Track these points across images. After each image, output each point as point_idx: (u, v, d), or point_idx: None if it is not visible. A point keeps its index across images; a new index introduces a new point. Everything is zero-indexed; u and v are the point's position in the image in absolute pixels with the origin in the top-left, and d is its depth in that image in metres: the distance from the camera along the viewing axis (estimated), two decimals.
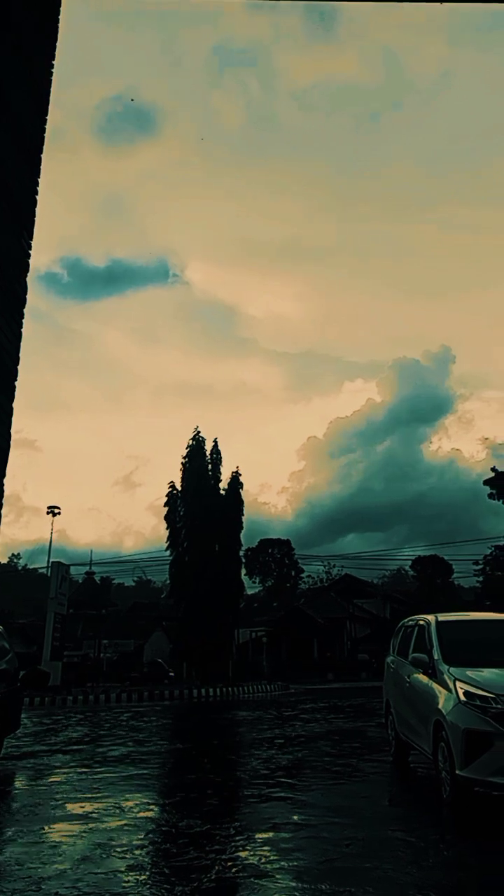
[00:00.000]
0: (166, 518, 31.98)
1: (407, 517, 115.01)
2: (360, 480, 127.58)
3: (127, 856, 4.67)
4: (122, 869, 4.37)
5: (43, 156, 2.38)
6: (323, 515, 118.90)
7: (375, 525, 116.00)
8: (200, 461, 32.18)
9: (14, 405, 2.13)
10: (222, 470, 32.68)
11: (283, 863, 4.43)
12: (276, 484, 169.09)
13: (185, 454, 32.39)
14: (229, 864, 4.44)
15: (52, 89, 2.44)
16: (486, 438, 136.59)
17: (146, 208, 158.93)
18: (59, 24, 2.50)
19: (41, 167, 2.36)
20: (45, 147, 2.39)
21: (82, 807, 6.30)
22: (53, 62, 2.51)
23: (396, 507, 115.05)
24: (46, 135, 2.40)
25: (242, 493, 32.67)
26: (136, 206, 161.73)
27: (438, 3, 2.42)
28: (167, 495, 32.15)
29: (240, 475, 32.62)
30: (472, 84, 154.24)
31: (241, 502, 32.48)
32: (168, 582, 37.54)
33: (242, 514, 32.52)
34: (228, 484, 32.41)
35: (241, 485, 32.48)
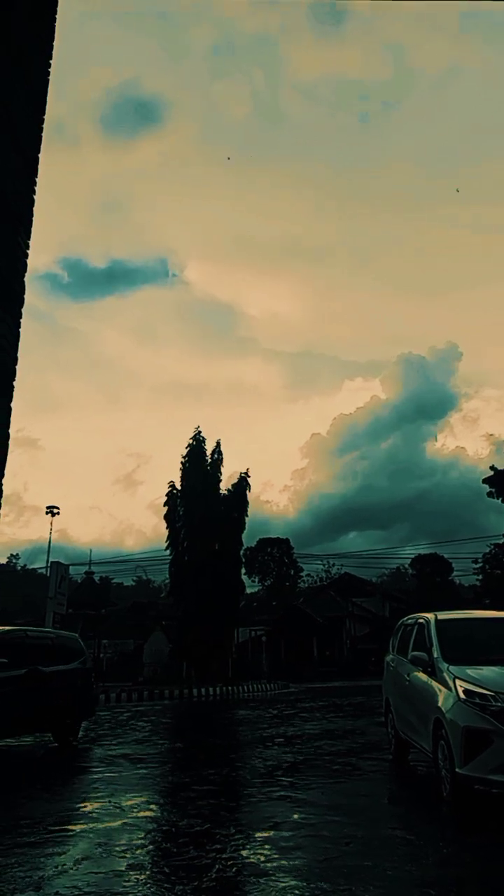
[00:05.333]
0: (166, 518, 31.99)
1: (409, 515, 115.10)
2: (363, 478, 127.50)
3: (127, 855, 4.68)
4: (123, 868, 4.38)
5: (41, 155, 2.38)
6: (325, 513, 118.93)
7: (377, 523, 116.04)
8: (201, 461, 32.18)
9: (14, 404, 2.13)
10: (223, 470, 32.69)
11: (283, 861, 4.44)
12: (278, 482, 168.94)
13: (184, 454, 32.41)
14: (229, 863, 4.45)
15: (51, 86, 2.44)
16: (491, 435, 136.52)
17: (146, 206, 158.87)
18: (56, 23, 2.50)
19: (38, 167, 2.36)
20: (44, 145, 2.39)
21: (82, 806, 6.31)
22: (51, 62, 2.51)
23: (399, 505, 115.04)
24: (44, 134, 2.39)
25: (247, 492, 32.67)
26: (137, 204, 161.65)
27: (445, 1, 2.40)
28: (167, 495, 32.15)
29: (248, 476, 32.62)
30: (476, 81, 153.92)
31: (246, 503, 32.48)
32: (167, 581, 37.53)
33: (246, 515, 32.54)
34: (234, 485, 32.40)
35: (248, 486, 32.49)
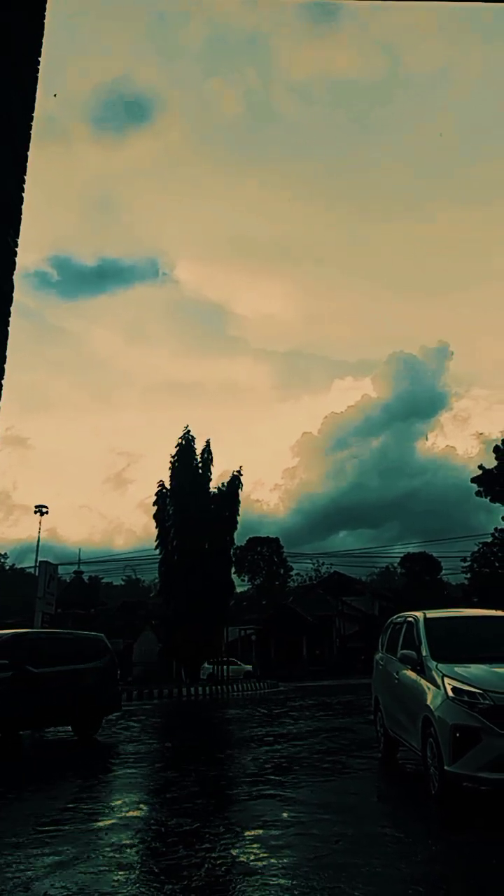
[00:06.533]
0: (156, 517, 31.91)
1: (399, 514, 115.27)
2: (354, 477, 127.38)
3: (116, 855, 4.67)
4: (112, 868, 4.37)
5: (30, 152, 2.36)
6: (315, 512, 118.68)
7: (367, 522, 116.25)
8: (190, 460, 32.13)
9: (3, 403, 2.12)
10: (213, 469, 32.67)
11: (272, 860, 4.44)
12: (269, 481, 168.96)
13: (174, 453, 32.36)
14: (219, 862, 4.45)
15: (40, 82, 2.43)
16: (481, 434, 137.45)
17: (136, 205, 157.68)
18: (47, 14, 2.49)
19: (28, 164, 2.35)
20: (33, 141, 2.38)
21: (71, 806, 6.29)
22: (40, 58, 2.50)
23: (389, 504, 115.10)
24: (34, 130, 2.38)
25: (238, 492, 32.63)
26: (127, 202, 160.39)
27: (441, 2, 2.39)
28: (156, 494, 32.07)
29: (241, 475, 32.60)
30: (473, 81, 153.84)
31: (238, 502, 32.46)
32: (157, 581, 37.48)
33: (238, 514, 32.52)
34: (226, 483, 32.38)
35: (240, 485, 32.46)
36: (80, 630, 19.99)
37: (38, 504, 41.74)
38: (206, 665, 37.83)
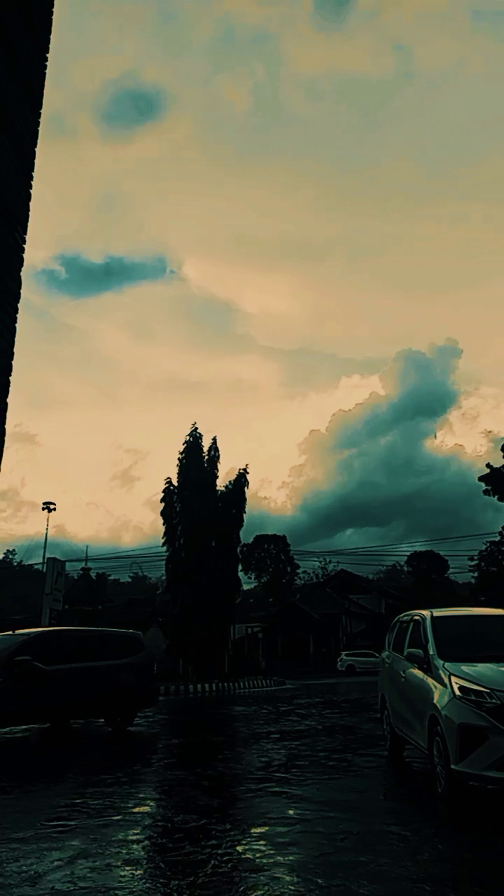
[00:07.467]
0: (163, 514, 31.96)
1: (406, 512, 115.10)
2: (361, 475, 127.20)
3: (122, 851, 4.68)
4: (118, 864, 4.39)
5: (38, 148, 2.37)
6: (322, 510, 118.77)
7: (374, 520, 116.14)
8: (198, 457, 32.16)
9: (11, 400, 2.12)
10: (220, 466, 32.69)
11: (278, 857, 4.45)
12: (276, 478, 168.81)
13: (181, 450, 32.40)
14: (225, 858, 4.46)
15: (48, 78, 2.43)
16: (490, 432, 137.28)
17: (145, 202, 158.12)
18: (54, 12, 2.48)
19: (35, 161, 2.35)
20: (41, 138, 2.38)
21: (79, 801, 6.31)
22: (48, 54, 2.49)
23: (396, 502, 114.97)
24: (41, 126, 2.38)
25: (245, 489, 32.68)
26: (135, 199, 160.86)
27: None
28: (164, 491, 32.12)
29: (247, 473, 32.62)
30: (479, 78, 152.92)
31: (245, 499, 32.47)
32: (164, 578, 37.58)
33: (244, 512, 32.53)
34: (233, 481, 32.42)
35: (247, 483, 32.49)
36: (108, 627, 20.17)
37: (45, 501, 42.00)
38: (343, 656, 40.71)
